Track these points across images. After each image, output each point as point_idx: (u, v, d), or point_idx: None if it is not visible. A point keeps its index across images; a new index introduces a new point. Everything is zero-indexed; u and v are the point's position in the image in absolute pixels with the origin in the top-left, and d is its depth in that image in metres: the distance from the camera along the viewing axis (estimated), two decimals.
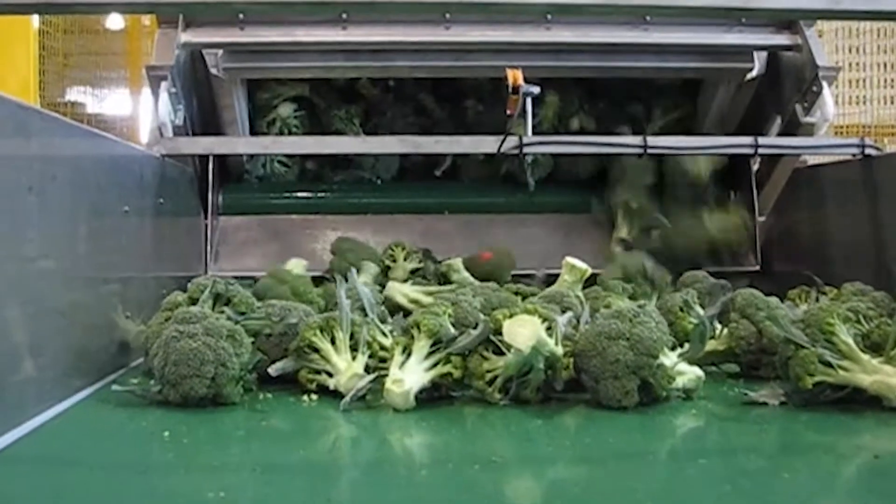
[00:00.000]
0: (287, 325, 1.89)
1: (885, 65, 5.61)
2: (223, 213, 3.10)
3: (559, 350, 1.71)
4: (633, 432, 1.62)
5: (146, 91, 2.73)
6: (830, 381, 1.69)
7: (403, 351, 1.76)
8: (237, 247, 3.06)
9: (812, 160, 3.09)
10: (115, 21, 6.64)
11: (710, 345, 1.93)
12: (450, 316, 1.83)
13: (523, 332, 1.66)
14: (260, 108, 3.18)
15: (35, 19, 4.30)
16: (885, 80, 5.61)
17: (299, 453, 1.51)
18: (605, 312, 1.75)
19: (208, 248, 3.00)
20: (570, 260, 2.32)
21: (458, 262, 2.67)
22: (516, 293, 2.22)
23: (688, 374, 1.76)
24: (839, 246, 2.76)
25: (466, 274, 2.63)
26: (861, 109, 5.57)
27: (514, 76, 2.63)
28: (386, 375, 1.75)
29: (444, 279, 2.64)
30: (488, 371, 1.72)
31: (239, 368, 1.75)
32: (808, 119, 2.86)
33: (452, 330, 1.78)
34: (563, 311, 1.84)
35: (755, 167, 3.14)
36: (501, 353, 1.71)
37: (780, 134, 3.00)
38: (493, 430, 1.65)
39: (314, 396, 1.81)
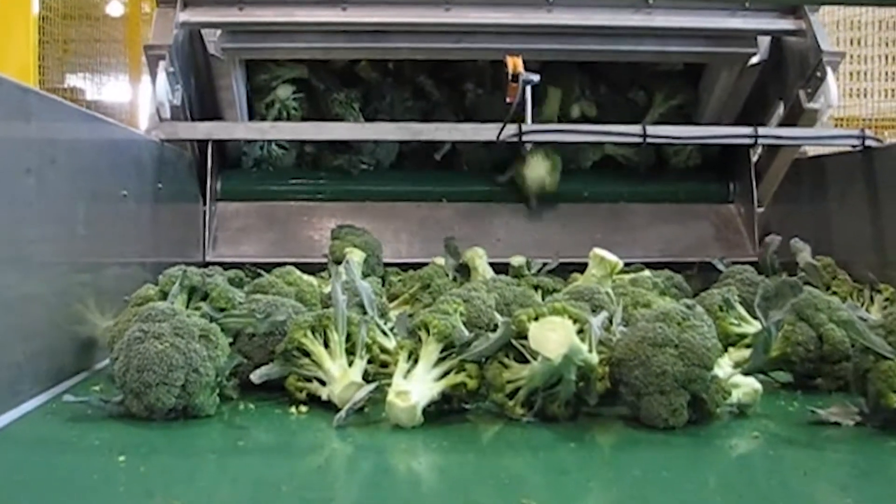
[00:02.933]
0: (273, 323, 1.38)
1: (885, 57, 5.08)
2: (221, 198, 2.65)
3: (594, 358, 1.22)
4: (687, 461, 1.15)
5: (146, 79, 2.30)
6: None
7: (409, 357, 1.28)
8: (235, 233, 2.61)
9: (812, 151, 2.64)
10: (114, 7, 6.09)
11: None
12: (461, 315, 1.34)
13: (553, 337, 1.17)
14: (258, 90, 2.71)
15: (35, 4, 3.78)
16: (886, 73, 5.09)
17: (281, 488, 1.03)
18: (647, 314, 1.26)
19: (206, 233, 2.55)
20: (598, 252, 1.76)
21: (480, 252, 2.14)
22: (536, 287, 1.69)
23: (743, 386, 1.27)
24: (838, 237, 2.36)
25: (488, 266, 2.10)
26: (862, 102, 5.05)
27: (515, 63, 2.25)
28: (388, 385, 1.27)
29: (463, 272, 2.09)
30: (509, 382, 1.24)
31: (214, 374, 1.28)
32: (812, 105, 2.44)
33: (466, 333, 1.29)
34: (595, 311, 1.34)
35: (755, 157, 2.70)
36: (524, 361, 1.24)
37: (783, 121, 2.56)
38: (515, 453, 1.18)
39: (304, 408, 1.33)
